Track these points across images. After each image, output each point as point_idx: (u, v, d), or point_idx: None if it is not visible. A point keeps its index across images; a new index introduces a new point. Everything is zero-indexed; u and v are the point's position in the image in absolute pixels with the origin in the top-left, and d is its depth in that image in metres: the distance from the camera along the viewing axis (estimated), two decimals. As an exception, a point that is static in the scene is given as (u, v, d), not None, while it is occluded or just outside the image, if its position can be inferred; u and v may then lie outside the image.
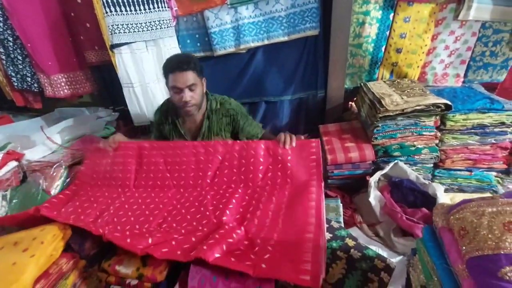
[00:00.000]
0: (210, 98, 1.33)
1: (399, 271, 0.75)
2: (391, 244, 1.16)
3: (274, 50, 1.76)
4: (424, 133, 1.36)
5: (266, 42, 1.73)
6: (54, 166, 1.38)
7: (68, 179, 1.41)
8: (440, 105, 1.30)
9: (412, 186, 1.26)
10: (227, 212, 0.95)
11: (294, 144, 1.17)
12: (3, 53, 1.89)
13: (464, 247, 0.43)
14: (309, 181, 1.01)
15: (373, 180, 1.32)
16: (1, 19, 1.74)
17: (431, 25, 1.52)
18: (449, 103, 1.29)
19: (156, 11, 1.60)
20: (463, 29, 1.50)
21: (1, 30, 1.77)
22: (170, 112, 1.38)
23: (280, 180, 1.07)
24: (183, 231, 0.94)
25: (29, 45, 1.77)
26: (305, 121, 1.90)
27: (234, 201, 1.01)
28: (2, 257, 0.72)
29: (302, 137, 1.28)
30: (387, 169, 1.36)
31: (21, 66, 1.91)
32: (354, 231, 1.26)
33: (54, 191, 1.33)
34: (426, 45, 1.55)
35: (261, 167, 1.14)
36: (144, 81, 1.71)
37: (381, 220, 1.23)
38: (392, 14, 1.53)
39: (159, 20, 1.62)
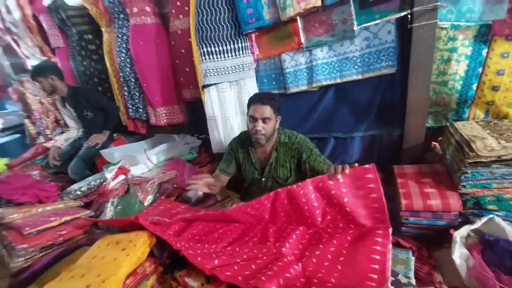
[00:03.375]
0: (280, 132, 1.43)
1: None
2: (481, 318, 0.96)
3: (347, 87, 1.78)
4: (531, 185, 1.13)
5: (338, 80, 1.77)
6: (149, 182, 1.68)
7: (158, 194, 1.68)
8: (553, 154, 1.07)
9: (511, 249, 1.04)
10: (287, 245, 0.98)
11: (347, 171, 1.07)
12: (126, 91, 2.46)
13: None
14: (374, 225, 0.95)
15: (459, 234, 1.14)
16: (128, 65, 2.30)
17: (538, 60, 1.31)
18: None
19: (240, 57, 1.86)
20: None
21: (127, 73, 2.34)
22: (245, 141, 1.53)
23: (343, 225, 1.04)
24: (244, 256, 1.00)
25: (144, 84, 2.27)
26: (378, 160, 1.79)
27: (294, 236, 1.03)
28: (108, 252, 0.92)
29: (356, 164, 1.12)
30: (479, 224, 1.16)
31: (137, 100, 2.45)
32: (432, 292, 1.09)
33: (147, 203, 1.60)
34: (532, 82, 1.33)
35: (317, 211, 1.11)
36: (225, 115, 1.95)
37: (467, 284, 1.04)
38: (485, 50, 1.38)
39: (243, 64, 1.87)
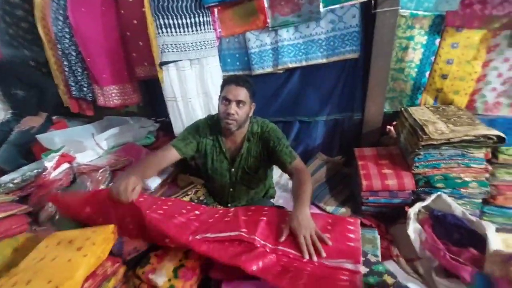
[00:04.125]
0: (253, 121, 1.36)
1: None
2: (432, 284, 1.07)
3: (312, 71, 1.78)
4: (472, 165, 1.27)
5: (304, 63, 1.76)
6: (100, 171, 1.50)
7: (111, 184, 1.51)
8: (492, 136, 1.21)
9: (457, 222, 1.17)
10: (259, 232, 0.95)
11: (323, 255, 0.83)
12: (66, 66, 2.12)
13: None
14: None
15: (412, 211, 1.25)
16: (67, 36, 1.98)
17: (482, 52, 1.44)
18: (502, 135, 1.20)
19: (202, 32, 1.71)
20: (520, 57, 1.41)
21: (67, 45, 2.01)
22: (214, 128, 1.39)
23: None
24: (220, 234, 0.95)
25: (88, 59, 1.98)
26: (340, 144, 1.87)
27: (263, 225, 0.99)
28: (59, 253, 0.79)
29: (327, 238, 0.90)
30: (428, 201, 1.27)
31: (80, 78, 2.14)
32: (390, 265, 1.18)
33: (98, 194, 1.43)
34: (476, 72, 1.47)
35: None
36: (186, 96, 1.81)
37: (421, 256, 1.15)
38: (438, 40, 1.48)
39: (204, 41, 1.73)
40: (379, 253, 0.95)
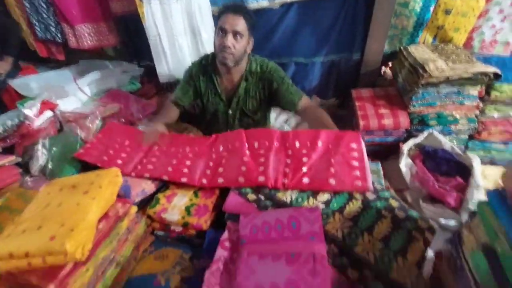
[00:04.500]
0: (251, 60, 1.27)
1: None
2: (419, 210, 1.18)
3: (310, 7, 1.64)
4: (465, 102, 1.31)
5: (302, -3, 1.61)
6: (89, 118, 1.41)
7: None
8: (489, 73, 1.23)
9: (446, 156, 1.25)
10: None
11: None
12: (27, 1, 1.82)
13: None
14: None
15: (406, 147, 1.32)
16: (23, -39, 1.65)
17: (488, -16, 1.38)
18: (498, 72, 1.22)
19: (188, -44, 1.48)
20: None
21: (24, -27, 1.69)
22: (208, 67, 1.31)
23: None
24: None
25: (53, -9, 1.70)
26: (335, 85, 1.85)
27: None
28: (64, 198, 0.77)
29: None
30: (421, 137, 1.34)
31: (45, 15, 1.86)
32: (382, 196, 1.29)
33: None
34: (479, 7, 1.42)
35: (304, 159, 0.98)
36: (171, 33, 1.64)
37: (411, 187, 1.25)
38: (446, -30, 1.39)
39: (191, -33, 1.52)
40: (383, 182, 1.02)
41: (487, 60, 1.43)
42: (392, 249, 0.68)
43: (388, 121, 1.41)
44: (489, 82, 1.26)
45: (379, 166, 1.08)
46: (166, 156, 1.11)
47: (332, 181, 0.83)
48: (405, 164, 1.29)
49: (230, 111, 1.35)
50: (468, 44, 1.54)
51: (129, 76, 1.98)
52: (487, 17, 1.46)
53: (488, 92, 1.30)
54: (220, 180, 0.96)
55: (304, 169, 0.89)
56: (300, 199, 0.83)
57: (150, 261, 0.87)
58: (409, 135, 1.42)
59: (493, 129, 1.34)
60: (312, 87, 1.86)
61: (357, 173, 0.85)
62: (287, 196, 0.84)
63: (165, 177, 1.03)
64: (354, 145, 0.95)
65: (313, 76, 1.81)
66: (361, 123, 1.43)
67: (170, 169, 1.04)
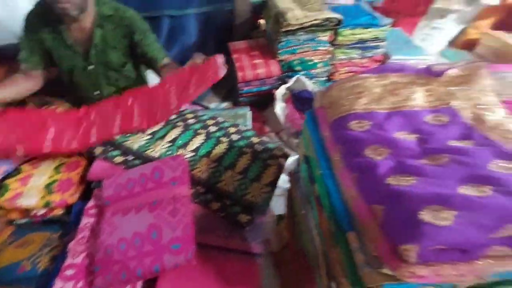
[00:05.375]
0: (100, 3, 1.09)
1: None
2: (291, 145, 1.38)
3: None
4: (319, 48, 1.51)
5: None
6: None
7: None
8: (333, 19, 1.43)
9: (309, 96, 1.46)
10: None
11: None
12: None
13: (328, 116, 0.56)
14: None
15: (279, 93, 1.46)
16: None
17: None
18: (340, 17, 1.43)
19: None
20: None
21: None
22: (49, 16, 1.06)
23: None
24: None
25: None
26: (215, 39, 1.83)
27: None
28: None
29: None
30: (290, 82, 1.50)
31: None
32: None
33: None
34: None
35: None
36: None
37: (285, 127, 1.43)
38: None
39: None
40: (249, 123, 1.11)
41: (335, 8, 1.65)
42: (249, 177, 0.78)
43: (261, 71, 1.51)
44: (335, 28, 1.48)
45: (246, 110, 1.17)
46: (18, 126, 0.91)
47: (191, 91, 0.94)
48: (279, 108, 1.45)
49: (91, 67, 1.17)
50: (321, -6, 1.73)
51: None
52: (333, -31, 1.65)
53: (335, 38, 1.52)
54: (93, 138, 0.88)
55: (172, 100, 0.94)
56: (169, 152, 0.84)
57: (10, 251, 0.78)
58: (282, 82, 1.57)
59: (341, 70, 1.62)
60: (192, 43, 1.79)
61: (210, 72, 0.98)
62: (157, 152, 0.84)
63: (20, 150, 0.86)
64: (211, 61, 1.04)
65: (190, 30, 1.74)
66: (239, 74, 1.50)
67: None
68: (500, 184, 0.34)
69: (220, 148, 0.85)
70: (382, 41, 1.55)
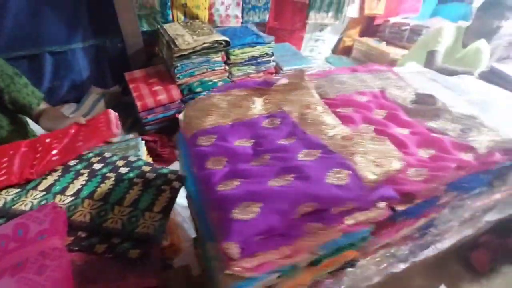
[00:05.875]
0: None
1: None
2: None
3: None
4: (216, 68, 1.59)
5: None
6: None
7: None
8: (221, 41, 1.53)
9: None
10: None
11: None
12: None
13: (186, 136, 0.58)
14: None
15: (181, 116, 1.47)
16: None
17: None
18: (227, 39, 1.54)
19: None
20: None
21: None
22: None
23: None
24: None
25: None
26: (112, 71, 1.75)
27: None
28: None
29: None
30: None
31: None
32: (175, 165, 1.41)
33: None
34: (206, -13, 1.70)
35: None
36: None
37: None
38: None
39: None
40: (141, 153, 1.07)
41: (225, 31, 1.76)
42: (141, 208, 0.75)
43: (162, 97, 1.51)
44: (225, 49, 1.57)
45: (138, 140, 1.14)
46: None
47: (80, 144, 0.87)
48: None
49: None
50: (211, 19, 1.84)
51: None
52: (216, -4, 1.78)
53: (228, 57, 1.63)
54: None
55: (54, 151, 0.86)
56: (44, 201, 0.75)
57: None
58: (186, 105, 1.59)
59: (243, 85, 1.72)
60: (86, 78, 1.68)
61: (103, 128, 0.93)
62: (27, 203, 0.74)
63: None
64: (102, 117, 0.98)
65: (80, 65, 1.63)
66: (138, 103, 1.46)
67: None
68: (301, 171, 0.40)
69: (106, 185, 0.80)
70: (271, 56, 1.72)
